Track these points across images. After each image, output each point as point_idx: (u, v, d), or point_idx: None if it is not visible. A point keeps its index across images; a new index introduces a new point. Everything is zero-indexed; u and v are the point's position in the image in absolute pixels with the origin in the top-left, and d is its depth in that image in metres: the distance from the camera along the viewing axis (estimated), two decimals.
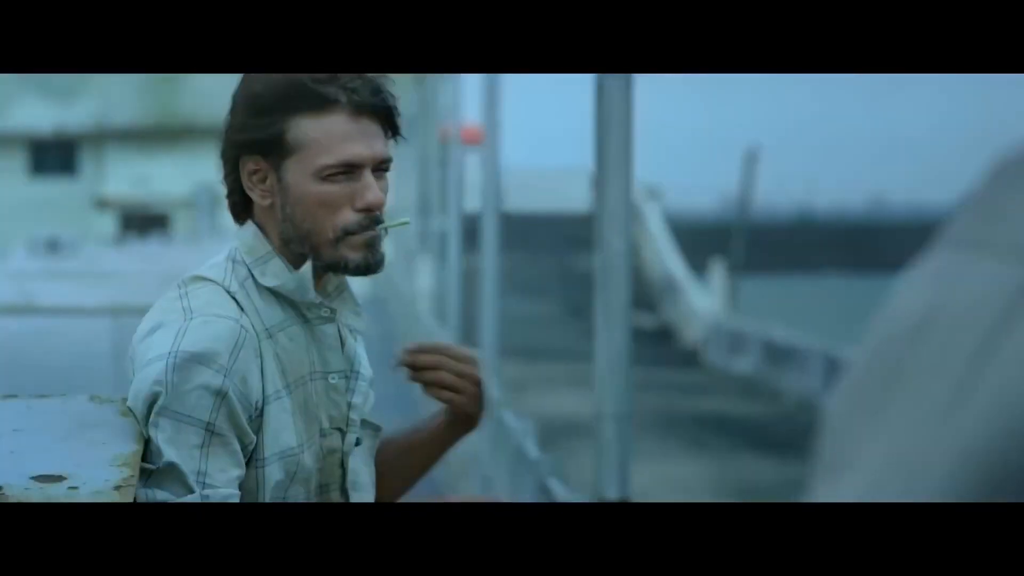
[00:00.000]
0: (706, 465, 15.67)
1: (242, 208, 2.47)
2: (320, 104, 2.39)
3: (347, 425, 2.49)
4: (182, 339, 2.33)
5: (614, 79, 3.71)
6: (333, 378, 2.47)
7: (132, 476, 2.22)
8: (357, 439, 2.51)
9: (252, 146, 2.41)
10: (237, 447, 2.33)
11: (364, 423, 2.55)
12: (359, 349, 2.55)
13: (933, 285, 0.72)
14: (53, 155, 43.10)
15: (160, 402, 2.31)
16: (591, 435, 3.86)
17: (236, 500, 2.32)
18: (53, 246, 14.83)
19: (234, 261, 2.44)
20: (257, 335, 2.38)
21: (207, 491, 2.29)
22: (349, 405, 2.50)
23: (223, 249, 2.50)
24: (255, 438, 2.36)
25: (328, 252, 2.41)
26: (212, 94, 40.59)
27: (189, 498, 2.28)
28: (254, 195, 2.43)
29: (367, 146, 2.40)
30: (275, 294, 2.43)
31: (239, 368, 2.34)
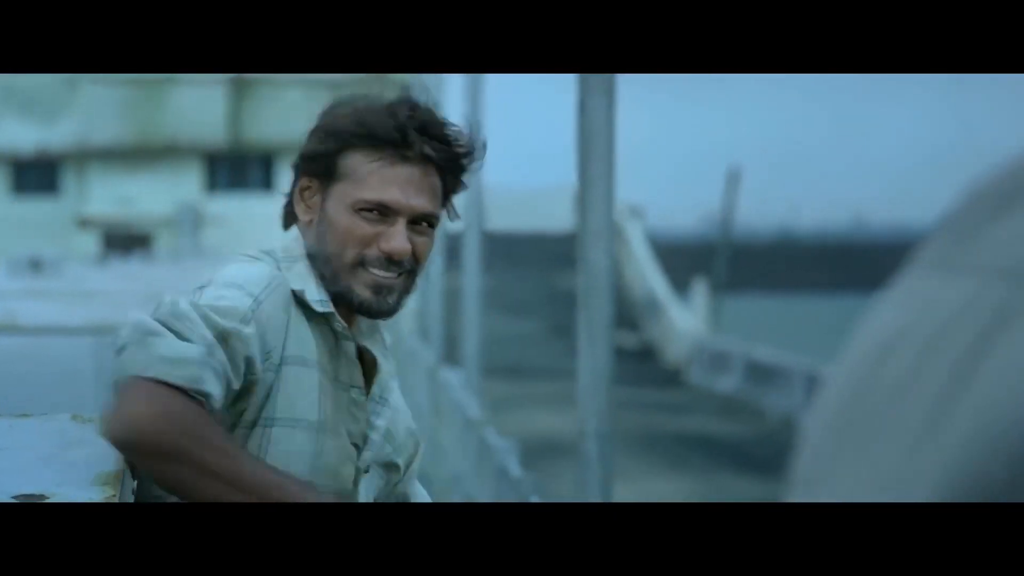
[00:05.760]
0: (688, 484, 15.66)
1: (289, 220, 2.57)
2: (380, 143, 2.46)
3: (364, 442, 2.54)
4: (225, 268, 2.43)
5: (597, 98, 3.72)
6: (355, 392, 2.53)
7: (114, 495, 2.22)
8: (368, 466, 2.55)
9: (310, 165, 2.50)
10: (230, 374, 2.33)
11: (387, 464, 2.61)
12: (393, 383, 2.62)
13: (907, 305, 0.73)
14: (35, 174, 43.01)
15: (202, 294, 2.37)
16: (574, 454, 3.86)
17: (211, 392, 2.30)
18: (35, 265, 14.78)
19: (268, 254, 2.51)
20: (289, 299, 2.44)
21: (213, 362, 2.28)
22: (369, 423, 2.55)
23: (207, 268, 2.56)
24: (245, 380, 2.36)
25: (343, 279, 2.48)
26: (194, 113, 40.57)
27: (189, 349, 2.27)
28: (299, 210, 2.52)
29: (406, 195, 2.47)
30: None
31: (270, 302, 2.39)
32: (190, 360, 2.25)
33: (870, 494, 0.70)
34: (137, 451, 2.24)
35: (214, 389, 2.27)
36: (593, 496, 3.80)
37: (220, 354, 2.30)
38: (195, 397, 2.25)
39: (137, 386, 2.24)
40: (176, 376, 2.24)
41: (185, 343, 2.26)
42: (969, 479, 0.67)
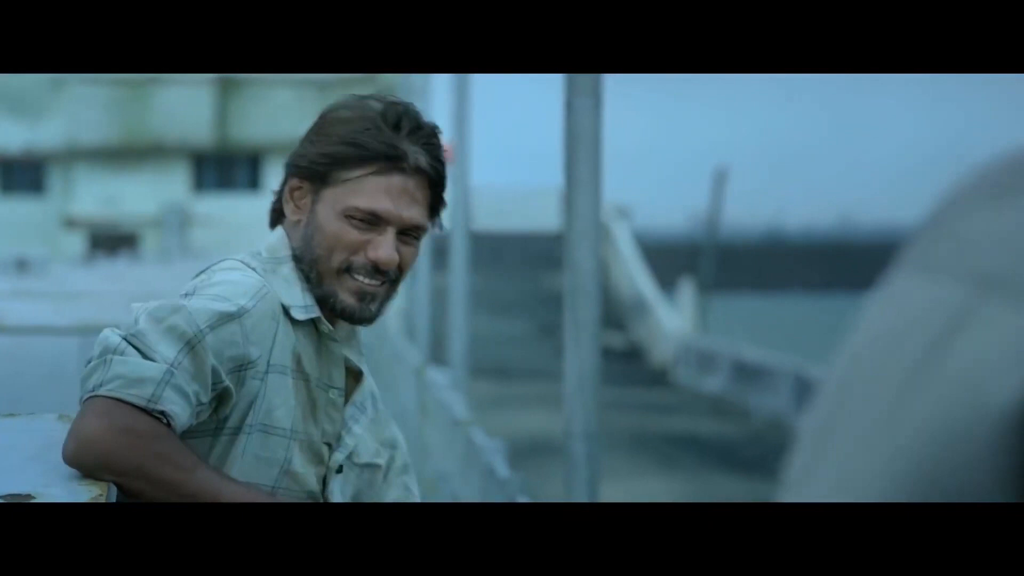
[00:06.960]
0: (675, 484, 15.68)
1: (277, 218, 2.57)
2: (375, 153, 2.47)
3: (338, 442, 2.55)
4: (210, 278, 2.43)
5: (583, 99, 3.72)
6: (334, 393, 2.54)
7: (100, 495, 2.22)
8: (340, 466, 2.55)
9: (303, 167, 2.51)
10: (197, 388, 2.33)
11: (367, 464, 2.62)
12: (375, 392, 2.64)
13: (890, 306, 0.74)
14: (21, 174, 42.99)
15: (176, 303, 2.35)
16: (561, 454, 3.86)
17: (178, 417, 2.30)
18: (21, 265, 14.77)
19: (254, 256, 2.52)
20: (278, 309, 2.45)
21: (175, 380, 2.29)
22: (345, 426, 2.56)
23: (193, 268, 2.56)
24: (224, 393, 2.37)
25: (327, 283, 2.49)
26: (180, 113, 40.54)
27: (150, 368, 2.28)
28: (288, 209, 2.53)
29: (397, 205, 2.48)
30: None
31: (257, 312, 2.40)
32: (149, 379, 2.27)
33: (836, 493, 0.71)
34: (88, 468, 2.26)
35: (174, 407, 2.29)
36: (580, 496, 3.80)
37: (185, 370, 2.31)
38: (153, 415, 2.27)
39: (92, 405, 2.27)
40: (132, 395, 2.26)
41: (146, 362, 2.28)
42: (920, 478, 0.68)
